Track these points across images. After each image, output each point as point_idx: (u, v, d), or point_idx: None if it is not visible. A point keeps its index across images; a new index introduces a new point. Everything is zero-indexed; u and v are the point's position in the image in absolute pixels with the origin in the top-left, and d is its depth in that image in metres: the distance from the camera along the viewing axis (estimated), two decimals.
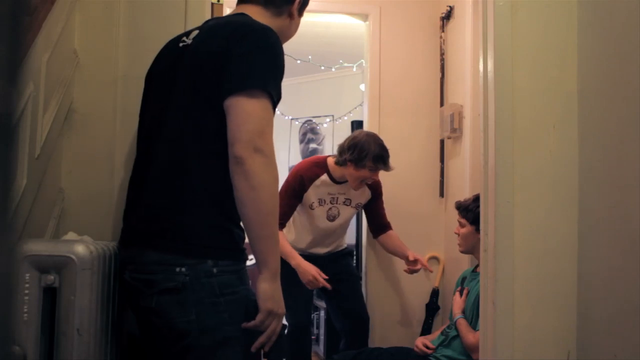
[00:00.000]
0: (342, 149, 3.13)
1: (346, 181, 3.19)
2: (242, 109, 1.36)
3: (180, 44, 1.55)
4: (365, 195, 3.29)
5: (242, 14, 1.58)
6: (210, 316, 1.36)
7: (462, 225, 2.77)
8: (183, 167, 1.42)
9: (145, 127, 1.58)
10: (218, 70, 1.40)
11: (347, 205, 3.25)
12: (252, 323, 1.38)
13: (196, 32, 1.56)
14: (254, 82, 1.38)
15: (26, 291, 1.39)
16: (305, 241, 3.23)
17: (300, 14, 1.72)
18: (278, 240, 1.40)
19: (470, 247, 2.73)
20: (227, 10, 3.38)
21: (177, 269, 1.35)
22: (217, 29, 1.49)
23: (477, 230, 2.54)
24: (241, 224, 1.43)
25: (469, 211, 2.72)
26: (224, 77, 1.39)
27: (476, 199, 2.75)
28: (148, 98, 1.63)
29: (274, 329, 1.40)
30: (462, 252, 2.84)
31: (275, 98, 1.41)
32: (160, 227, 1.41)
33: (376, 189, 3.32)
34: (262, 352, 1.44)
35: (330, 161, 3.19)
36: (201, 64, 1.44)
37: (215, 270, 1.37)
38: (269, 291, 1.38)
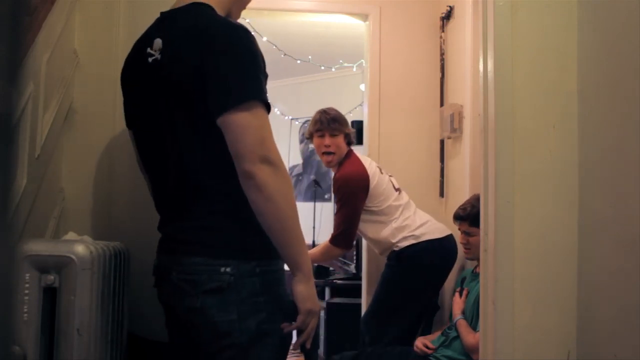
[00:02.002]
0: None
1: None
2: (236, 125, 1.34)
3: (149, 59, 1.48)
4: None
5: (195, 7, 1.47)
6: (250, 316, 1.38)
7: (471, 234, 2.72)
8: (202, 192, 1.42)
9: (144, 144, 1.57)
10: (201, 89, 1.36)
11: None
12: (294, 325, 1.42)
13: (159, 42, 1.48)
14: (239, 95, 1.35)
15: (26, 291, 1.39)
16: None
17: None
18: (303, 241, 1.41)
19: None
20: None
21: (222, 269, 1.37)
22: (180, 43, 1.43)
23: None
24: None
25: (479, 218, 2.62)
26: (209, 96, 1.35)
27: (477, 201, 2.73)
28: (135, 114, 1.60)
29: (313, 326, 1.43)
30: (471, 259, 2.83)
31: (265, 101, 1.38)
32: (203, 235, 1.42)
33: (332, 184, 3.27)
34: (289, 349, 1.49)
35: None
36: (181, 88, 1.40)
37: (257, 270, 1.40)
38: (305, 292, 1.40)
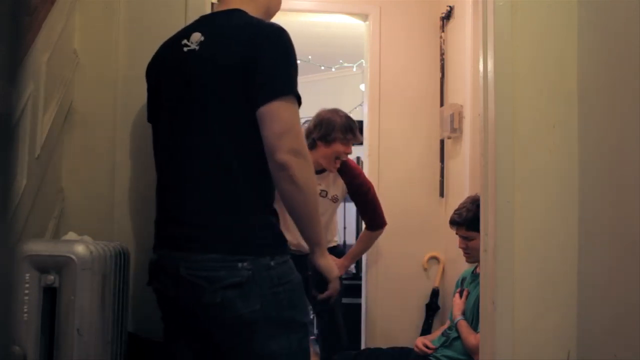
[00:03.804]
0: (309, 131, 3.02)
1: (323, 170, 3.07)
2: (277, 116, 1.45)
3: (185, 49, 1.57)
4: (340, 187, 3.17)
5: (239, 12, 1.59)
6: (272, 304, 1.46)
7: (470, 239, 2.69)
8: (229, 174, 1.49)
9: (166, 136, 1.61)
10: (244, 79, 1.47)
11: (324, 197, 3.13)
12: (328, 292, 1.75)
13: (198, 35, 1.57)
14: (284, 88, 1.47)
15: (26, 291, 1.39)
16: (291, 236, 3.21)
17: None
18: (320, 221, 1.58)
19: None
20: None
21: (239, 265, 1.44)
22: (230, 36, 1.54)
23: None
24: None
25: (478, 221, 2.49)
26: (253, 86, 1.46)
27: (472, 204, 2.72)
28: (159, 105, 1.65)
29: (338, 288, 1.82)
30: (470, 262, 2.80)
31: (299, 97, 1.51)
32: (218, 231, 1.49)
33: (351, 182, 3.18)
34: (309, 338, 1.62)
35: None
36: (224, 74, 1.49)
37: (272, 263, 1.48)
38: (328, 264, 1.63)
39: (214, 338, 1.51)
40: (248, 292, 1.44)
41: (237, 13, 1.59)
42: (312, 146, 2.97)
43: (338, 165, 3.07)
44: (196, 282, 1.45)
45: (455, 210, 2.80)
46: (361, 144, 3.77)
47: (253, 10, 1.62)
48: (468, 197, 2.86)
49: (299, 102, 1.51)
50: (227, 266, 1.44)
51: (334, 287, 1.78)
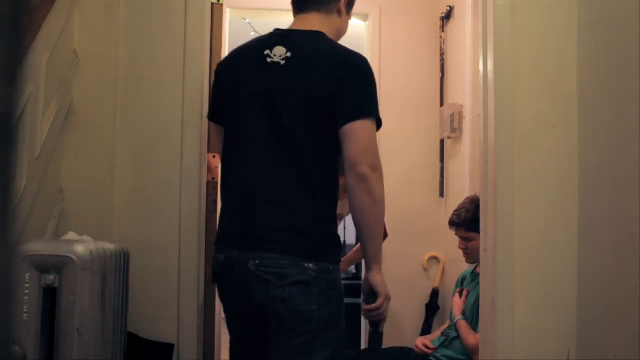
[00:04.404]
0: None
1: None
2: (362, 134, 1.60)
3: (268, 60, 1.68)
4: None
5: (322, 35, 1.73)
6: (326, 306, 1.61)
7: (470, 239, 2.68)
8: (308, 189, 1.64)
9: (245, 143, 1.70)
10: (332, 101, 1.61)
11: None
12: (374, 305, 1.69)
13: (283, 50, 1.68)
14: (369, 110, 1.63)
15: (26, 291, 1.39)
16: None
17: (348, 12, 1.87)
18: (382, 238, 1.71)
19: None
20: (226, 11, 3.39)
21: (306, 265, 1.59)
22: (319, 58, 1.68)
23: None
24: None
25: (477, 222, 2.47)
26: (341, 107, 1.61)
27: (470, 205, 2.71)
28: (231, 108, 1.74)
29: (387, 309, 1.71)
30: (470, 262, 2.79)
31: (380, 119, 1.67)
32: (291, 233, 1.63)
33: None
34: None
35: None
36: (313, 93, 1.63)
37: (331, 268, 1.63)
38: (382, 281, 1.69)
39: (269, 326, 1.63)
40: (309, 292, 1.59)
41: (321, 36, 1.73)
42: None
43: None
44: (266, 278, 1.59)
45: (455, 211, 2.80)
46: None
47: (328, 32, 1.75)
48: (467, 198, 2.85)
49: (379, 125, 1.66)
50: (296, 265, 1.59)
51: (382, 302, 1.70)
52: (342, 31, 1.85)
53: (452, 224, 2.79)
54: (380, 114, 1.67)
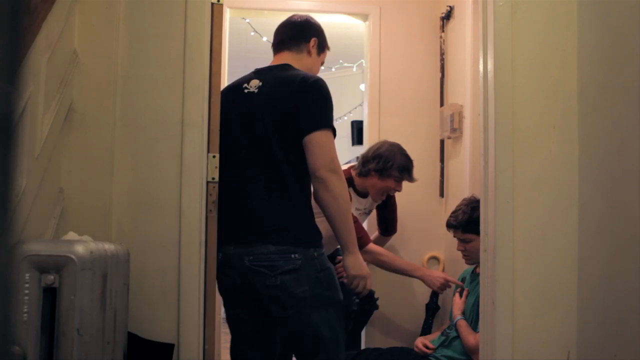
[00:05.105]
0: (366, 159, 3.07)
1: (366, 195, 3.14)
2: (319, 143, 1.94)
3: (245, 91, 2.08)
4: (370, 201, 3.25)
5: (288, 66, 2.12)
6: (317, 286, 1.94)
7: (468, 241, 2.69)
8: (285, 189, 1.98)
9: (235, 151, 2.06)
10: (295, 115, 1.96)
11: (366, 215, 3.28)
12: (347, 284, 2.06)
13: (257, 81, 2.08)
14: (323, 122, 1.98)
15: (26, 291, 1.39)
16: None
17: (319, 53, 2.25)
18: (353, 227, 2.01)
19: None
20: (226, 11, 3.39)
21: (292, 256, 1.91)
22: (283, 84, 2.03)
23: None
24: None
25: (474, 224, 2.51)
26: (301, 121, 1.96)
27: (467, 207, 2.72)
28: (226, 129, 2.08)
29: (363, 285, 2.05)
30: (470, 264, 2.78)
31: (334, 129, 2.01)
32: (277, 229, 1.95)
33: (387, 201, 3.30)
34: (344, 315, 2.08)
35: (353, 173, 3.12)
36: (280, 113, 1.99)
37: (315, 254, 1.96)
38: (350, 263, 2.01)
39: (271, 311, 1.98)
40: (299, 276, 1.91)
41: (287, 66, 2.12)
42: (366, 174, 3.07)
43: (383, 198, 3.16)
44: (260, 270, 1.92)
45: (452, 213, 2.80)
46: (361, 143, 3.76)
47: (298, 67, 2.12)
48: (464, 199, 2.85)
49: (334, 134, 2.00)
50: (284, 257, 1.91)
51: (350, 282, 2.05)
52: (313, 69, 2.20)
53: (449, 226, 2.79)
54: (333, 125, 2.03)
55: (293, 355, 2.22)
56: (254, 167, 2.00)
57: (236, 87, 2.14)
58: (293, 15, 2.31)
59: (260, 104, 2.02)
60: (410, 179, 3.10)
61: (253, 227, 1.97)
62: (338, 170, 1.96)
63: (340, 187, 1.94)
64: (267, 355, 2.09)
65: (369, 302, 3.07)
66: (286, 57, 2.17)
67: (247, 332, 2.07)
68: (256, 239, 1.95)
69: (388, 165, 3.02)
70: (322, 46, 2.27)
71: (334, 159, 1.96)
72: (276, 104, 2.00)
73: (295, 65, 2.13)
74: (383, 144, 3.16)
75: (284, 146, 1.98)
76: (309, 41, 2.20)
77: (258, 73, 2.15)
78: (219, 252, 2.02)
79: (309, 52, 2.21)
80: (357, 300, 2.58)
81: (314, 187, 1.97)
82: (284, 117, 1.98)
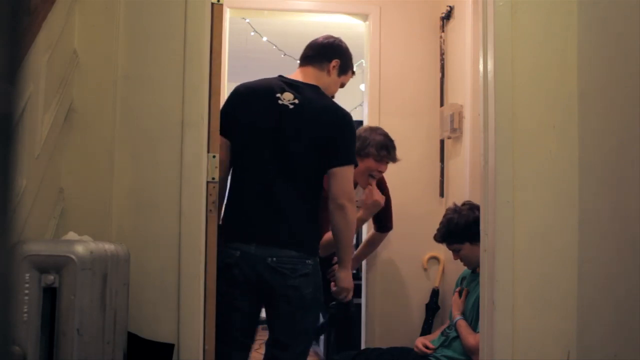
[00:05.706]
0: None
1: (355, 185, 3.12)
2: (344, 176, 2.23)
3: (279, 102, 2.25)
4: (362, 191, 3.22)
5: (318, 88, 2.34)
6: (316, 289, 2.26)
7: (457, 250, 2.73)
8: (308, 202, 2.26)
9: (265, 161, 2.24)
10: (328, 145, 2.23)
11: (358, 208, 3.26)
12: (334, 291, 2.38)
13: (291, 96, 2.26)
14: (351, 158, 2.28)
15: (26, 291, 1.39)
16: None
17: (339, 75, 2.42)
18: (353, 247, 2.46)
19: (477, 260, 2.65)
20: (226, 11, 3.38)
21: (307, 261, 2.21)
22: (323, 110, 2.28)
23: (473, 242, 2.53)
24: None
25: (457, 235, 2.69)
26: (334, 153, 2.23)
27: (445, 219, 2.76)
28: (242, 130, 2.26)
29: (345, 295, 2.39)
30: (470, 268, 2.79)
31: (357, 164, 2.32)
32: (299, 238, 2.23)
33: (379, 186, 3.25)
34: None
35: None
36: (317, 137, 2.23)
37: (318, 261, 2.27)
38: (344, 276, 2.35)
39: (278, 306, 2.23)
40: (309, 280, 2.21)
41: (318, 89, 2.33)
42: None
43: (370, 184, 3.12)
44: (282, 271, 2.18)
45: (437, 228, 2.84)
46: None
47: (320, 85, 2.34)
48: (447, 209, 2.89)
49: (355, 167, 2.30)
50: (301, 262, 2.20)
51: (335, 291, 2.38)
52: (329, 89, 2.40)
53: (436, 240, 2.84)
54: (356, 160, 2.33)
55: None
56: (285, 180, 2.23)
57: (265, 93, 2.28)
58: (327, 35, 2.47)
59: (297, 123, 2.23)
60: (390, 157, 3.08)
61: (282, 233, 2.21)
62: (353, 200, 2.27)
63: (353, 215, 2.27)
64: (251, 336, 2.35)
65: (344, 309, 3.20)
66: (309, 72, 2.36)
67: (239, 320, 2.26)
68: (282, 243, 2.20)
69: (365, 144, 3.02)
70: (345, 69, 2.44)
71: (352, 190, 2.28)
72: (314, 129, 2.23)
73: (319, 84, 2.34)
74: (363, 127, 3.18)
75: (313, 167, 2.24)
76: (330, 61, 2.38)
77: (290, 86, 2.29)
78: (235, 250, 2.19)
79: (328, 72, 2.39)
80: (333, 303, 2.87)
81: (331, 210, 2.23)
82: (319, 142, 2.23)
